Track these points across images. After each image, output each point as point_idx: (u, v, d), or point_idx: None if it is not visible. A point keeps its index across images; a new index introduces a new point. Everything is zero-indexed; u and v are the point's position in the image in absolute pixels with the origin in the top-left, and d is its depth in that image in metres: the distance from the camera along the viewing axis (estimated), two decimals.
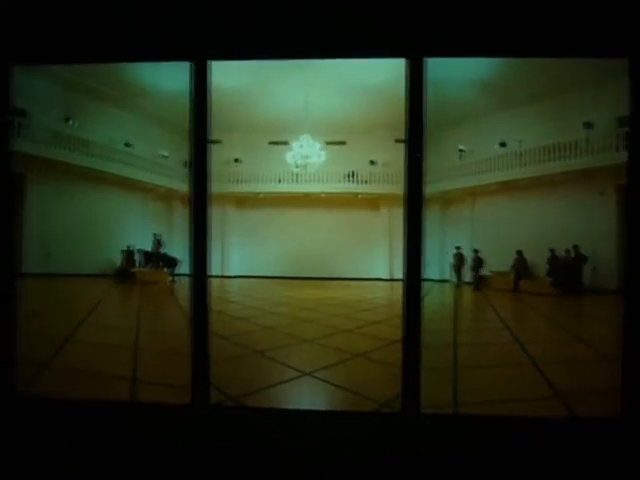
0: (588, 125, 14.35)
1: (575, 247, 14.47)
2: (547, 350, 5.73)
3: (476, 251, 17.03)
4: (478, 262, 16.85)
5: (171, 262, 14.98)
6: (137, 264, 15.10)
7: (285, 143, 17.25)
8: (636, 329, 2.45)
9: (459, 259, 17.31)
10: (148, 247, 15.55)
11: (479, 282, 16.53)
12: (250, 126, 18.02)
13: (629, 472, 2.34)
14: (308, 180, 19.01)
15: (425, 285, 2.87)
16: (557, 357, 5.27)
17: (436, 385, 3.83)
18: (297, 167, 16.94)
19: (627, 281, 2.50)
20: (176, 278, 14.53)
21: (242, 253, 19.80)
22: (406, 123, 2.76)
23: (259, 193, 19.54)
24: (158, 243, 15.62)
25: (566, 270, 14.46)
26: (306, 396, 3.99)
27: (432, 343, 5.56)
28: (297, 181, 19.07)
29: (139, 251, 15.29)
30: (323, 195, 19.49)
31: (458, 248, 17.38)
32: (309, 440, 2.69)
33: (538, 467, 2.45)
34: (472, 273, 16.90)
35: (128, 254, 14.82)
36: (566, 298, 13.05)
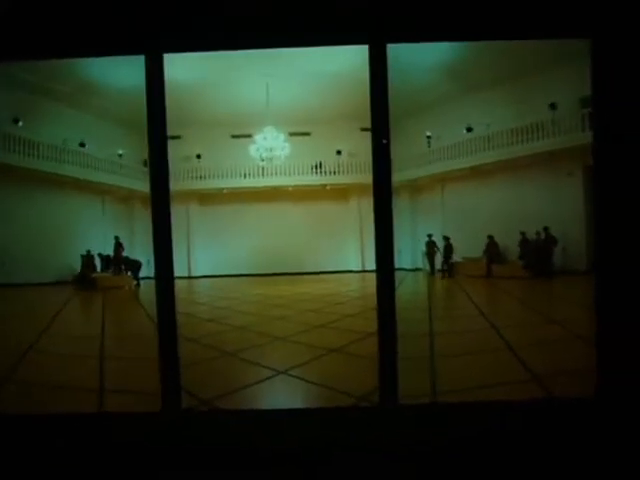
0: (553, 106, 14.63)
1: (545, 229, 14.77)
2: (522, 334, 5.84)
3: (447, 238, 17.25)
4: (449, 249, 17.08)
5: (133, 265, 14.73)
6: (98, 269, 14.82)
7: (248, 136, 17.10)
8: (607, 309, 2.51)
9: (431, 247, 17.51)
10: (109, 251, 15.27)
11: (451, 269, 16.77)
12: (211, 120, 17.81)
13: (605, 451, 2.40)
14: (274, 173, 18.88)
15: (398, 274, 2.89)
16: (532, 340, 5.38)
17: (413, 375, 3.87)
18: (262, 160, 16.79)
19: (596, 262, 2.56)
20: (140, 282, 14.33)
21: (209, 252, 19.60)
22: (371, 110, 2.76)
23: (223, 189, 19.32)
24: (118, 246, 15.31)
25: (537, 252, 14.78)
26: (282, 395, 3.98)
27: (408, 333, 5.60)
28: (263, 175, 18.91)
29: (99, 255, 14.99)
30: (290, 188, 19.38)
31: (430, 236, 17.55)
32: (287, 440, 2.68)
33: (517, 450, 2.49)
34: (443, 260, 17.15)
35: (87, 259, 14.51)
36: (538, 280, 13.33)
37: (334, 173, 19.68)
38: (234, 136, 18.83)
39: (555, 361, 4.36)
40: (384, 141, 2.70)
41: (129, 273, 14.72)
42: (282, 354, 5.32)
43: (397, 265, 2.92)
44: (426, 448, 2.53)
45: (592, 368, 2.59)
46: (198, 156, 19.19)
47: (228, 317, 8.03)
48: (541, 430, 2.56)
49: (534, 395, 3.41)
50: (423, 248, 17.72)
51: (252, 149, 16.36)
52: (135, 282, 14.36)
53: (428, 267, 17.46)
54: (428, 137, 18.08)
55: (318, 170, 19.59)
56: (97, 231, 15.81)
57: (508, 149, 15.73)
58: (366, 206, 18.76)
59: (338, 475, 2.41)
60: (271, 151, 16.26)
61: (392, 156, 2.77)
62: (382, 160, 2.75)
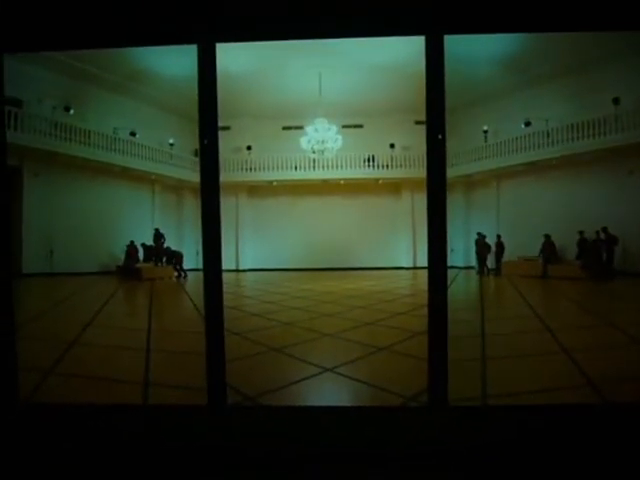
0: (616, 101, 14.18)
1: (604, 229, 14.35)
2: (578, 337, 5.69)
3: (498, 237, 17.00)
4: (500, 248, 16.81)
5: (173, 256, 15.04)
6: (141, 259, 15.18)
7: (299, 128, 17.19)
8: None
9: (481, 245, 17.25)
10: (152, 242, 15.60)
11: (499, 268, 16.50)
12: (262, 111, 18.00)
13: None
14: (325, 166, 18.91)
15: (450, 272, 2.86)
16: (588, 344, 5.24)
17: (464, 377, 3.84)
18: (313, 153, 16.83)
19: None
20: (185, 273, 14.62)
21: (257, 245, 19.84)
22: (426, 104, 2.74)
23: (273, 181, 19.52)
24: (159, 237, 15.61)
25: (596, 252, 14.36)
26: (328, 393, 4.01)
27: (459, 333, 5.57)
28: (314, 167, 18.98)
29: (142, 245, 15.33)
30: (342, 182, 19.39)
31: (479, 234, 17.29)
32: (333, 438, 2.71)
33: (568, 455, 2.45)
34: (495, 259, 16.87)
35: (131, 249, 14.87)
36: (596, 282, 12.94)
37: (387, 167, 19.55)
38: (285, 128, 18.95)
39: (612, 366, 4.24)
40: (439, 136, 2.69)
41: (170, 264, 15.01)
42: (329, 351, 5.35)
43: (449, 263, 2.90)
44: (475, 451, 2.51)
45: None
46: (248, 147, 19.43)
47: (275, 312, 8.11)
48: (595, 435, 2.51)
49: (589, 401, 3.33)
50: (475, 247, 17.50)
51: (303, 141, 16.45)
52: (176, 273, 14.65)
53: (477, 266, 17.18)
54: (485, 131, 17.78)
55: (370, 163, 19.50)
56: (144, 221, 16.20)
57: (567, 145, 15.34)
58: (419, 201, 18.58)
59: (386, 476, 2.42)
60: (322, 143, 16.32)
61: (447, 151, 2.75)
62: (436, 155, 2.73)
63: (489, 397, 3.53)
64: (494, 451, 2.52)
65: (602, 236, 14.43)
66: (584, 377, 3.87)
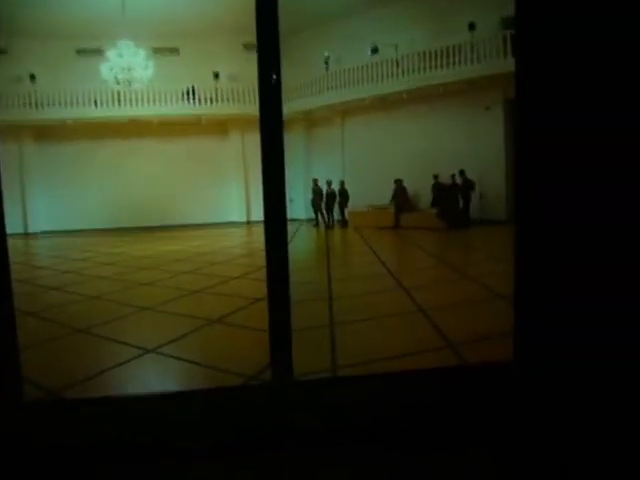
0: (472, 27, 15.01)
1: (461, 172, 15.36)
2: (435, 294, 6.15)
3: (342, 183, 17.57)
4: (344, 196, 17.43)
5: None
6: None
7: (99, 52, 16.25)
8: (526, 264, 2.69)
9: (318, 193, 17.73)
10: None
11: (345, 220, 17.17)
12: (49, 30, 16.60)
13: (523, 415, 2.62)
14: (134, 101, 18.15)
15: (291, 227, 2.91)
16: (446, 301, 5.68)
17: (311, 347, 3.98)
18: (118, 83, 15.98)
19: (517, 211, 2.71)
20: None
21: (51, 202, 18.68)
22: (257, 32, 2.69)
23: (67, 120, 18.24)
24: None
25: (451, 199, 15.42)
26: (150, 379, 3.95)
27: (303, 297, 5.74)
28: (119, 103, 18.10)
29: None
30: (155, 120, 18.71)
31: (315, 181, 17.73)
32: (158, 430, 2.68)
33: (429, 422, 2.66)
34: (339, 208, 17.50)
35: None
36: (453, 232, 13.95)
37: (211, 101, 19.26)
38: (80, 51, 17.84)
39: (472, 325, 4.64)
40: (274, 77, 2.67)
41: None
42: (150, 328, 5.26)
43: (289, 215, 2.95)
44: (327, 426, 2.63)
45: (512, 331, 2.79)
46: (32, 77, 17.89)
47: (78, 283, 7.80)
48: (456, 399, 2.74)
49: (448, 362, 3.63)
50: (310, 195, 17.89)
51: (104, 69, 15.50)
52: None
53: (316, 218, 17.68)
54: (326, 58, 18.05)
55: (190, 98, 19.02)
56: None
57: (419, 75, 16.06)
58: (251, 143, 18.60)
59: (234, 467, 2.46)
60: (129, 71, 15.51)
61: (282, 82, 2.75)
62: (271, 101, 2.71)
63: (340, 368, 3.70)
64: (347, 425, 2.66)
65: (458, 180, 15.50)
66: (443, 339, 4.19)
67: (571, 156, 2.52)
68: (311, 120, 19.53)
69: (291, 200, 17.92)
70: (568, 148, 2.52)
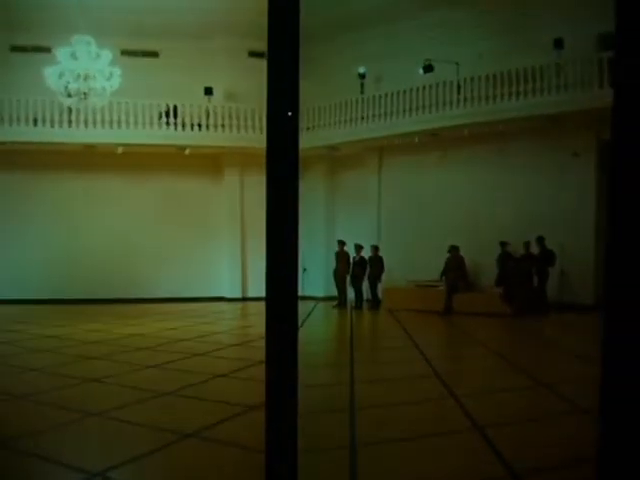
0: (558, 44, 14.97)
1: (540, 240, 15.16)
2: (496, 406, 6.07)
3: (376, 249, 17.42)
4: (377, 265, 17.26)
5: None
6: None
7: (44, 50, 16.39)
8: (616, 367, 2.63)
9: (343, 261, 17.59)
10: None
11: (376, 299, 17.01)
12: None
13: None
14: (91, 122, 17.72)
15: (303, 306, 2.89)
16: (512, 415, 5.59)
17: (324, 478, 3.92)
18: (69, 96, 15.59)
19: (607, 295, 2.65)
20: None
21: None
22: (269, 22, 2.73)
23: None
24: None
25: (523, 275, 15.19)
26: None
27: (316, 406, 5.68)
28: (70, 123, 17.73)
29: None
30: (120, 149, 18.39)
31: (341, 244, 17.60)
32: None
33: None
34: (370, 284, 17.36)
35: None
36: (524, 320, 13.75)
37: (199, 127, 18.87)
38: (17, 49, 17.98)
39: (545, 448, 4.55)
40: (289, 114, 2.70)
41: None
42: (97, 442, 5.21)
43: (301, 291, 2.94)
44: None
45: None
46: None
47: None
48: None
49: None
50: (333, 263, 17.67)
51: (51, 74, 15.05)
52: None
53: (338, 295, 17.51)
54: (361, 76, 18.04)
55: (170, 120, 18.72)
56: None
57: (487, 106, 15.79)
58: (253, 188, 18.43)
59: None
60: (86, 80, 15.16)
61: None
62: (283, 138, 2.73)
63: None
64: None
65: (534, 250, 15.34)
66: (506, 468, 4.11)
67: None
68: (337, 159, 19.47)
69: (304, 270, 17.86)
70: None
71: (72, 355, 9.58)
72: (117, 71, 15.10)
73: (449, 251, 16.29)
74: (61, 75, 14.72)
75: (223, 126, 18.85)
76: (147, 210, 19.05)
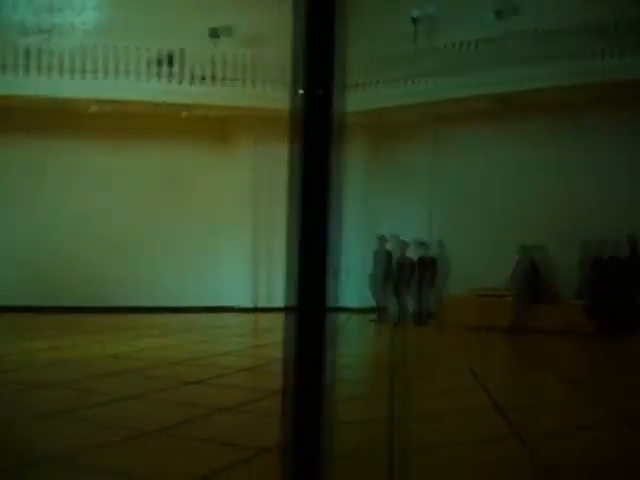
0: None
1: (631, 239, 14.96)
2: (573, 448, 6.03)
3: (423, 245, 17.26)
4: (430, 268, 17.16)
5: None
6: None
7: None
8: None
9: (386, 260, 17.42)
10: None
11: (427, 311, 16.87)
12: None
13: None
14: (59, 68, 17.18)
15: (335, 320, 2.84)
16: (595, 459, 5.55)
17: None
18: (28, 35, 15.43)
19: None
20: None
21: None
22: None
23: None
24: None
25: (616, 285, 15.01)
26: None
27: (346, 449, 5.66)
28: (29, 69, 17.21)
29: None
30: (93, 107, 18.12)
31: (382, 241, 17.42)
32: None
33: None
34: (416, 291, 17.22)
35: None
36: (612, 340, 13.66)
37: (203, 80, 18.63)
38: None
39: None
40: (317, 92, 2.64)
41: None
42: None
43: (334, 301, 2.89)
44: None
45: None
46: None
47: None
48: None
49: None
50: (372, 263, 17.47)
51: (1, 5, 14.92)
52: None
53: (378, 305, 17.34)
54: (414, 21, 17.79)
55: (166, 70, 18.33)
56: None
57: (575, 64, 15.47)
58: (269, 161, 18.08)
59: None
60: (51, 13, 15.00)
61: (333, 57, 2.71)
62: (313, 114, 2.68)
63: None
64: None
65: (624, 251, 15.18)
66: None
67: None
68: (380, 130, 19.22)
69: (343, 271, 17.39)
70: None
71: (20, 382, 9.09)
72: (91, 2, 14.90)
73: (520, 252, 16.16)
74: (15, 5, 14.58)
75: (233, 80, 18.52)
76: (132, 194, 18.63)
